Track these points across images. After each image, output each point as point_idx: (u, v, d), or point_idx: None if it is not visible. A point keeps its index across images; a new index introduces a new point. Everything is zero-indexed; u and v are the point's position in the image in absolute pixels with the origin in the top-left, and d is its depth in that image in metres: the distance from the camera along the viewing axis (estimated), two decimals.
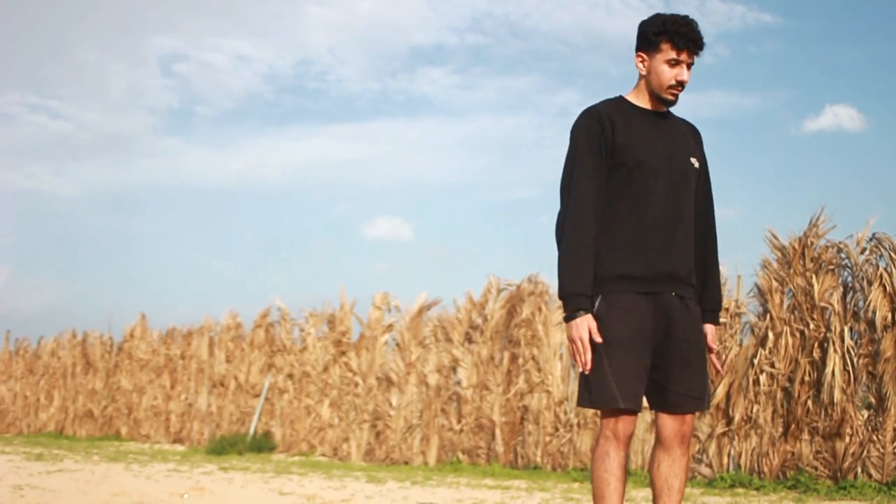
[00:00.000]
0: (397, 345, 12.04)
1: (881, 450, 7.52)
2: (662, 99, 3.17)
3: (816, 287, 8.07)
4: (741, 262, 8.85)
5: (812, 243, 8.23)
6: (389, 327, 12.35)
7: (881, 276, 7.68)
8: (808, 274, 8.17)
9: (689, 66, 3.15)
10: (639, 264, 3.08)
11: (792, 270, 8.28)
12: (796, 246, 8.31)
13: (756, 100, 24.12)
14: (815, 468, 7.84)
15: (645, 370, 3.07)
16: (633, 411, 3.04)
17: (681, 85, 3.15)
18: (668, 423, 3.14)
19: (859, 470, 7.62)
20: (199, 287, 25.80)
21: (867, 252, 7.92)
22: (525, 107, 26.83)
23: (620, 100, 3.23)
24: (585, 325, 3.06)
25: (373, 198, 28.06)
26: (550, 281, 10.49)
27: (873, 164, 22.31)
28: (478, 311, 11.11)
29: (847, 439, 7.70)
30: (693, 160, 3.22)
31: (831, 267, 8.12)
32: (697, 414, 3.15)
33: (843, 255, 8.09)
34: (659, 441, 3.16)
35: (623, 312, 3.07)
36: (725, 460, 8.44)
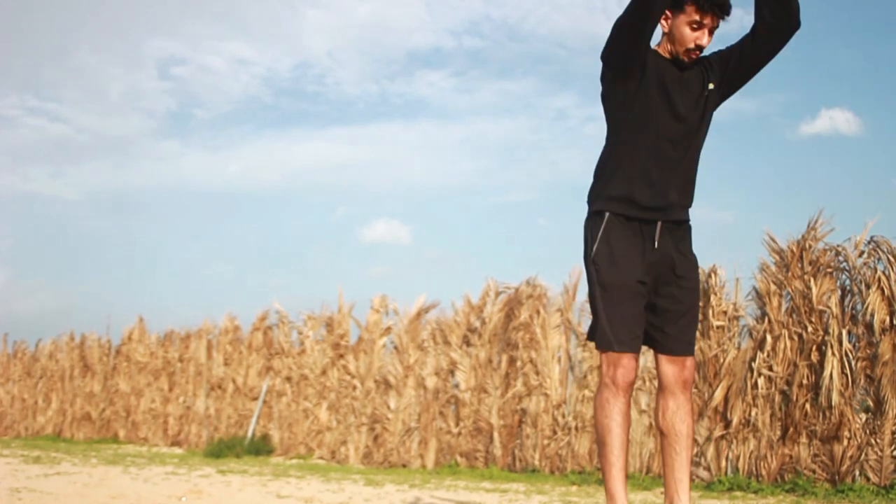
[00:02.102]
0: (395, 348, 12.04)
1: (879, 453, 7.52)
2: (678, 60, 3.16)
3: (814, 290, 8.08)
4: (739, 265, 8.86)
5: (810, 246, 8.23)
6: (387, 330, 12.35)
7: (879, 279, 7.69)
8: (806, 277, 8.18)
9: (711, 31, 3.10)
10: (641, 190, 3.15)
11: (790, 273, 8.29)
12: (794, 249, 8.32)
13: (753, 103, 24.15)
14: (813, 471, 7.84)
15: (641, 314, 3.15)
16: (629, 354, 3.09)
17: (699, 49, 3.11)
18: (669, 369, 3.21)
19: (857, 473, 7.62)
20: (197, 290, 25.80)
21: (865, 255, 7.93)
22: (523, 110, 26.86)
23: (654, 51, 3.21)
24: None
25: (371, 200, 28.07)
26: (548, 284, 10.51)
27: (871, 168, 22.35)
28: (476, 314, 11.10)
29: (845, 442, 7.71)
30: (708, 89, 3.22)
31: (829, 270, 8.12)
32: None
33: (841, 259, 8.10)
34: (661, 388, 3.24)
35: (621, 257, 3.14)
36: (723, 463, 8.44)
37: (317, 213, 28.04)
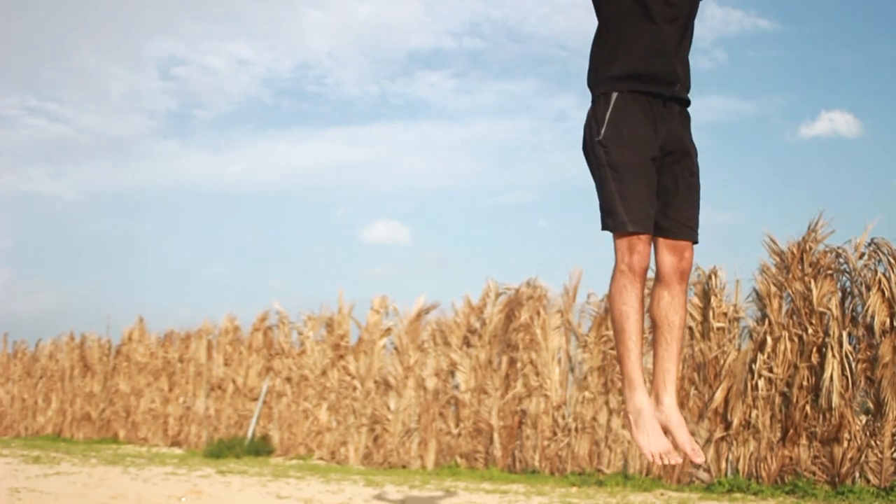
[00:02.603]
0: (395, 348, 12.03)
1: (879, 455, 7.52)
2: None
3: (815, 292, 8.07)
4: (740, 266, 8.86)
5: (811, 248, 8.23)
6: (388, 331, 12.34)
7: (879, 281, 7.69)
8: (806, 279, 8.17)
9: None
10: (649, 64, 3.14)
11: (790, 275, 8.28)
12: (795, 251, 8.32)
13: (753, 105, 24.15)
14: (814, 473, 7.83)
15: (654, 195, 3.12)
16: (644, 238, 3.07)
17: None
18: (668, 258, 3.20)
19: (857, 475, 7.62)
20: (197, 290, 25.77)
21: (865, 257, 7.93)
22: (523, 111, 26.86)
23: None
24: None
25: (371, 201, 28.06)
26: (549, 285, 10.51)
27: (871, 170, 22.34)
28: (476, 315, 11.10)
29: (845, 444, 7.70)
30: None
31: (830, 272, 8.12)
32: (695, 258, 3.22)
33: (841, 260, 8.10)
34: (659, 278, 3.24)
35: (631, 136, 3.11)
36: (724, 465, 8.43)
37: (317, 214, 28.03)
